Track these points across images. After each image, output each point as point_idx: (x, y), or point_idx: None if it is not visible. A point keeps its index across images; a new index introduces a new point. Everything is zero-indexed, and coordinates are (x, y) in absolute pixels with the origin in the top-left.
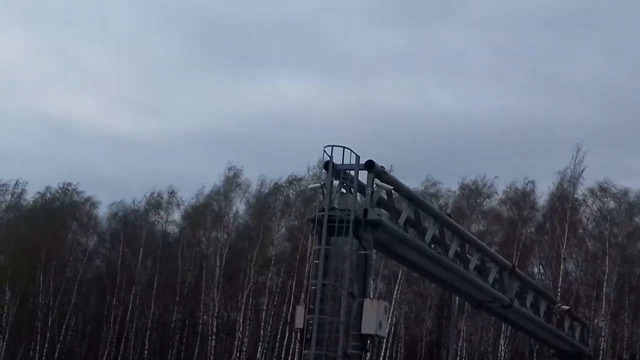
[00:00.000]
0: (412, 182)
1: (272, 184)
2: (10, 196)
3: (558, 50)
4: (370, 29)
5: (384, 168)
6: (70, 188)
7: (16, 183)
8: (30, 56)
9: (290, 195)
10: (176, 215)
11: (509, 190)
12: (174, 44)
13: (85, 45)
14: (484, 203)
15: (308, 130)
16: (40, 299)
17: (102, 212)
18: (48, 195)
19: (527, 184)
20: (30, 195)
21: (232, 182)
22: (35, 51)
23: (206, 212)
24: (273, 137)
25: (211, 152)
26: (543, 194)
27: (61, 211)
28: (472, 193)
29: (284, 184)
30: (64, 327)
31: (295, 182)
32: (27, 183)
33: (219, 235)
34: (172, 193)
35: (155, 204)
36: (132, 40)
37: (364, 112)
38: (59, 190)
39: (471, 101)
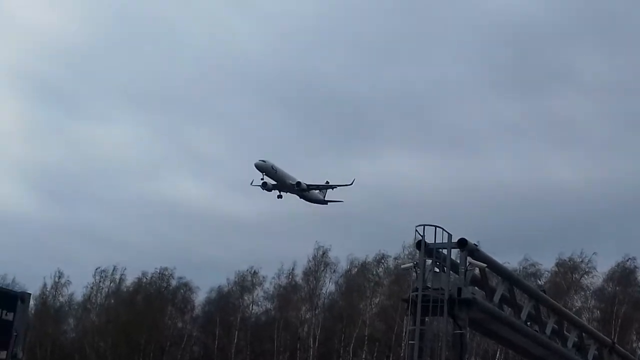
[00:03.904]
0: (514, 258)
1: (359, 263)
2: (109, 282)
3: None
4: (482, 99)
5: (477, 245)
6: (166, 273)
7: (114, 269)
8: (143, 141)
9: (380, 274)
10: (266, 296)
11: (616, 267)
12: (284, 122)
13: (197, 128)
14: (581, 279)
15: (416, 207)
16: None
17: (201, 296)
18: (144, 280)
19: (628, 260)
20: (130, 282)
21: (320, 261)
22: (148, 136)
23: (297, 292)
24: (382, 214)
25: (318, 231)
26: None
27: (158, 296)
28: (569, 269)
29: (371, 262)
30: None
31: (383, 261)
32: (125, 269)
33: (312, 316)
34: (255, 273)
35: (245, 285)
36: (242, 120)
37: (473, 184)
38: (156, 275)
39: (587, 172)
